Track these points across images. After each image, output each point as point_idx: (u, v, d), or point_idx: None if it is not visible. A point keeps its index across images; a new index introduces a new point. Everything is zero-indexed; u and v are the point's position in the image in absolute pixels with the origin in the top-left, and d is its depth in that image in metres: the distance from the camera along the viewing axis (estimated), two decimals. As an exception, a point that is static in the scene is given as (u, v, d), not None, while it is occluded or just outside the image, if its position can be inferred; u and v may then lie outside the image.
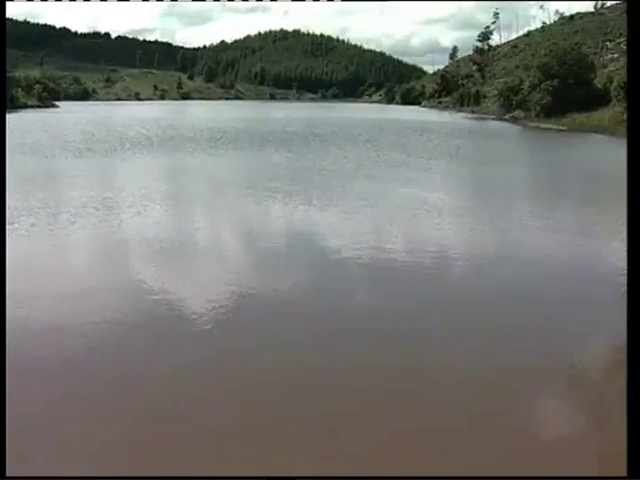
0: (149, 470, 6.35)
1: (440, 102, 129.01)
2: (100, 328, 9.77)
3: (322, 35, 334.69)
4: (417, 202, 20.98)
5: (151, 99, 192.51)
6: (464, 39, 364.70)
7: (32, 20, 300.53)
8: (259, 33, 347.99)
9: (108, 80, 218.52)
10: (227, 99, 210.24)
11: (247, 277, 12.83)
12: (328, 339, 9.68)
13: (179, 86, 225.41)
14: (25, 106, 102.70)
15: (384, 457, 6.67)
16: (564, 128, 58.91)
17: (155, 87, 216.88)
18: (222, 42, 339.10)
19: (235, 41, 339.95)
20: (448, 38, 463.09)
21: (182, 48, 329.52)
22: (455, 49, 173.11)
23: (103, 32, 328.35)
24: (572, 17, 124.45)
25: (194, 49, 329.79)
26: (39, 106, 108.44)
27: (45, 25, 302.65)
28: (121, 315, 10.37)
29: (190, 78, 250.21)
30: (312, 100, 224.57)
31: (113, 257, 14.38)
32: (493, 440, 7.01)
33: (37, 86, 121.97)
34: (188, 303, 11.02)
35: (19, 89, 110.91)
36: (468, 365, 8.70)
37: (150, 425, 7.27)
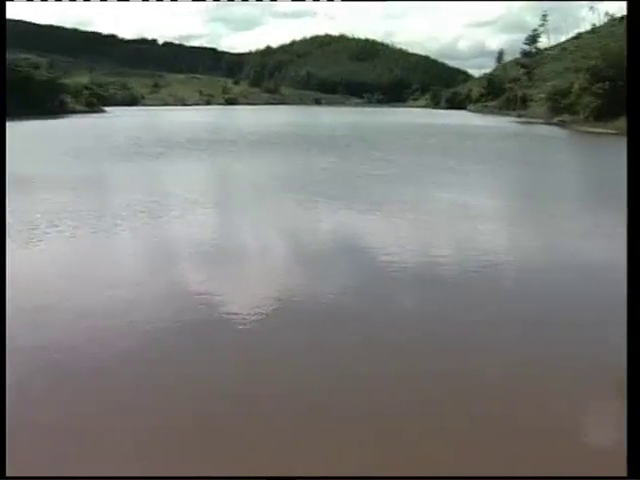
0: (174, 469, 6.24)
1: (486, 106, 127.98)
2: (139, 328, 9.70)
3: (367, 39, 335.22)
4: (458, 206, 20.62)
5: (197, 104, 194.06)
6: (511, 42, 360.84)
7: (81, 28, 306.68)
8: (305, 38, 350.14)
9: (155, 86, 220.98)
10: (272, 104, 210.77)
11: (288, 279, 12.66)
12: (369, 341, 9.50)
13: (225, 91, 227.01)
14: (74, 111, 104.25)
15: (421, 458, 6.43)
16: (615, 132, 57.42)
17: (201, 92, 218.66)
18: (268, 47, 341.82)
19: (281, 46, 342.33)
20: (495, 41, 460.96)
21: (228, 53, 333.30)
22: (502, 52, 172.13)
23: (150, 38, 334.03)
24: (623, 18, 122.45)
25: (240, 54, 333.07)
26: (87, 111, 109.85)
27: (93, 32, 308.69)
28: (162, 316, 10.28)
29: (236, 83, 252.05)
30: (357, 105, 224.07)
31: (155, 260, 14.27)
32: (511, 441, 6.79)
33: (85, 92, 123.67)
34: (229, 304, 10.88)
35: (68, 95, 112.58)
36: (505, 372, 8.43)
37: (182, 423, 7.12)
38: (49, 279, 12.48)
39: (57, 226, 16.81)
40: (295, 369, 8.60)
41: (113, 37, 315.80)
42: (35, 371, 8.34)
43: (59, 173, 28.08)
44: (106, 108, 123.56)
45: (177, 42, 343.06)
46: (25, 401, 7.54)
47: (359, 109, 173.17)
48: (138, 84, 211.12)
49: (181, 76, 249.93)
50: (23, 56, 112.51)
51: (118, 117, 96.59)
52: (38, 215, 18.57)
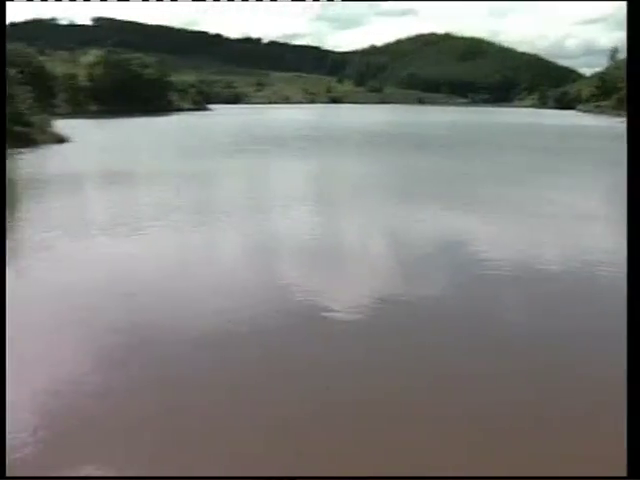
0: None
1: (598, 106, 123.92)
2: (236, 325, 9.38)
3: (474, 38, 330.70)
4: (565, 207, 19.69)
5: (301, 102, 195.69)
6: (625, 39, 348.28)
7: (189, 27, 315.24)
8: (409, 37, 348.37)
9: (259, 84, 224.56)
10: (376, 103, 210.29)
11: (387, 278, 12.16)
12: (468, 340, 9.06)
13: (328, 90, 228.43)
14: (180, 109, 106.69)
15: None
16: None
17: (305, 91, 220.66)
18: (372, 46, 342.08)
19: (385, 45, 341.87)
20: (606, 39, 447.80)
21: (332, 52, 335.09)
22: (615, 50, 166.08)
23: (255, 37, 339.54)
24: None
25: (344, 53, 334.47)
26: (193, 109, 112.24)
27: (200, 32, 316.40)
28: (257, 311, 9.98)
29: (339, 82, 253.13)
30: (461, 104, 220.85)
31: (255, 254, 14.04)
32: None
33: (191, 90, 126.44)
34: (326, 303, 10.49)
35: (175, 93, 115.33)
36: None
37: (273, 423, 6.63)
38: (149, 270, 12.43)
39: (160, 219, 16.94)
40: (392, 369, 8.21)
41: (219, 36, 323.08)
42: (122, 362, 8.08)
43: (164, 168, 28.55)
44: (211, 106, 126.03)
45: (281, 41, 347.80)
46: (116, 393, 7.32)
47: (463, 109, 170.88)
48: (243, 82, 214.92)
49: (285, 75, 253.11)
50: (135, 55, 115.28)
51: (222, 115, 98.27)
52: (142, 209, 18.81)
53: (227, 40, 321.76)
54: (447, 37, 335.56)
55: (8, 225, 16.81)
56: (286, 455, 6.30)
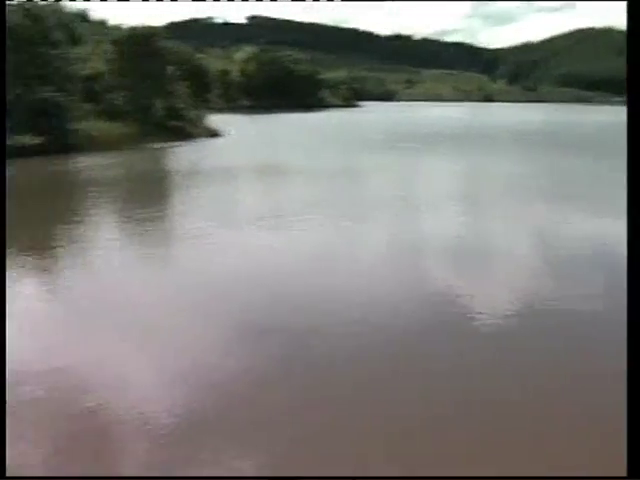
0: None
1: None
2: (375, 323, 9.24)
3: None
4: None
5: (451, 100, 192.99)
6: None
7: (341, 25, 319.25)
8: (564, 33, 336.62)
9: (409, 81, 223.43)
10: (530, 102, 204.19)
11: (530, 282, 11.59)
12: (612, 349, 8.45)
13: (480, 88, 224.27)
14: (331, 105, 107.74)
15: None
16: None
17: (456, 88, 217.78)
18: (526, 43, 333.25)
19: (540, 42, 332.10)
20: None
21: (484, 49, 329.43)
22: None
23: (405, 34, 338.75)
24: None
25: (497, 50, 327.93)
26: (343, 105, 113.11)
27: (351, 29, 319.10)
28: (400, 311, 9.77)
29: (492, 80, 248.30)
30: (622, 104, 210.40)
31: (397, 253, 13.63)
32: None
33: (342, 87, 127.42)
34: (470, 303, 10.21)
35: (326, 90, 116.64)
36: None
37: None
38: (293, 264, 12.40)
39: (307, 214, 16.96)
40: (533, 370, 7.97)
41: (369, 34, 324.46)
42: (257, 355, 8.04)
43: (314, 164, 28.74)
44: (361, 103, 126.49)
45: (432, 38, 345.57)
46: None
47: (624, 108, 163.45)
48: (393, 79, 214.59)
49: (436, 72, 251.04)
50: (286, 52, 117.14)
51: (372, 112, 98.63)
52: (291, 202, 19.02)
53: (377, 37, 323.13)
54: (607, 31, 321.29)
55: (163, 214, 17.36)
56: (409, 456, 6.05)
